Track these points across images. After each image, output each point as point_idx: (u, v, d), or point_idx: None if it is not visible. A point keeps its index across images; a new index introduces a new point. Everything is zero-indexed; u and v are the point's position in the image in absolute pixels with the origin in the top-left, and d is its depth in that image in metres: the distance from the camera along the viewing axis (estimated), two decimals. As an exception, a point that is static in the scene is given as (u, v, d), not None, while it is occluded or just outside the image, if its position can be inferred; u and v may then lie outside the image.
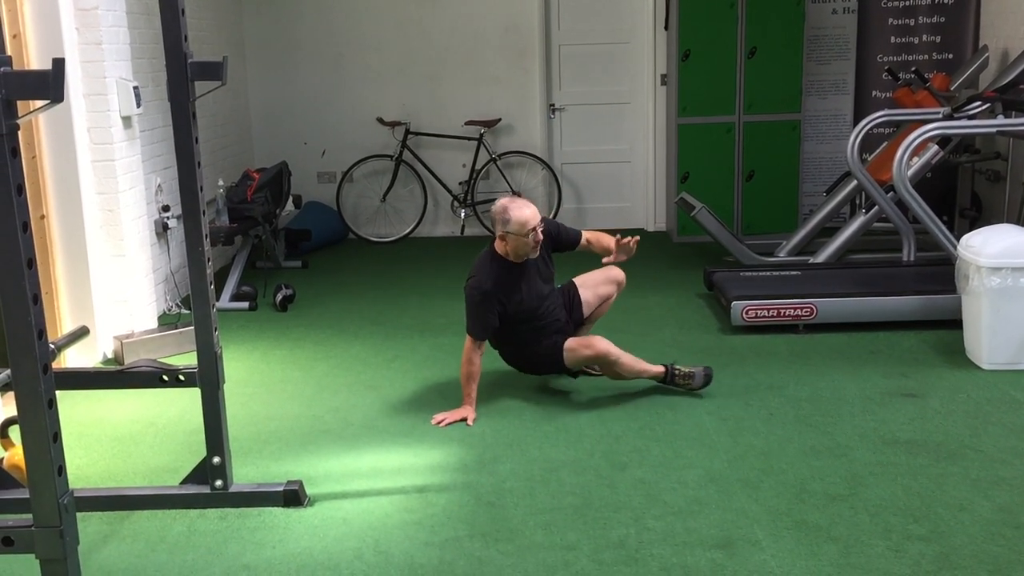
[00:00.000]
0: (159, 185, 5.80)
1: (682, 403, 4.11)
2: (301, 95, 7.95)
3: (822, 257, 6.13)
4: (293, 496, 3.28)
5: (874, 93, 7.42)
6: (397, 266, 7.03)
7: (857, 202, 6.41)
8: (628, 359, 4.13)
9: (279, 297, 5.85)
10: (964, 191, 6.76)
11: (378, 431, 3.95)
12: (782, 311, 5.03)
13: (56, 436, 2.06)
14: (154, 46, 5.61)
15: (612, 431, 3.85)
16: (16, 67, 1.96)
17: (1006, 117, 5.46)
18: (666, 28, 7.55)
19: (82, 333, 3.54)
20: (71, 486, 2.14)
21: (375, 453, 3.74)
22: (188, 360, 3.62)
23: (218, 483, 3.27)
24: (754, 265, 6.09)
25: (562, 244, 4.26)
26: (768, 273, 5.65)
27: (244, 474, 3.53)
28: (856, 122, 7.23)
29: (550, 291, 4.24)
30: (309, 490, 3.37)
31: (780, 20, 7.08)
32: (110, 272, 5.09)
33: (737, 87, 7.19)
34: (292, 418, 4.13)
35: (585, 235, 4.31)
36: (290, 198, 6.97)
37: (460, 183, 7.90)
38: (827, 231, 6.56)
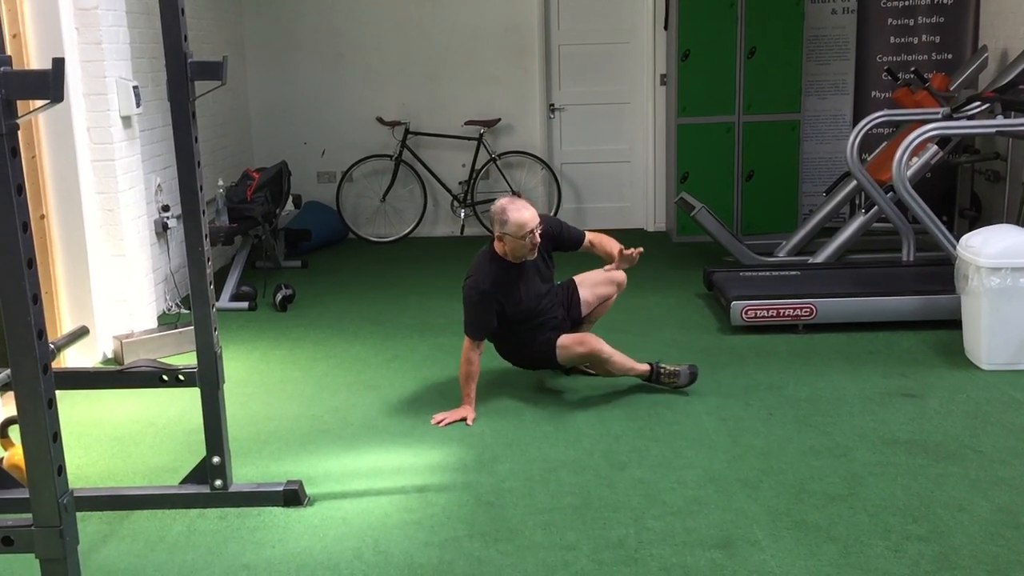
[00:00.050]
0: (159, 185, 5.80)
1: (681, 403, 4.12)
2: (301, 95, 7.95)
3: (822, 257, 6.13)
4: (293, 496, 3.28)
5: (873, 93, 7.42)
6: (397, 266, 7.03)
7: (857, 202, 6.41)
8: (619, 357, 4.16)
9: (279, 297, 5.85)
10: (964, 191, 6.76)
11: (378, 431, 3.96)
12: (782, 311, 5.03)
13: (56, 436, 2.06)
14: (154, 46, 5.61)
15: (611, 431, 3.85)
16: (16, 67, 1.96)
17: (1005, 117, 5.46)
18: (666, 28, 7.56)
19: (82, 333, 3.54)
20: (71, 486, 2.14)
21: (375, 453, 3.74)
22: (188, 360, 3.62)
23: (218, 483, 3.27)
24: (754, 265, 6.10)
25: (564, 244, 4.25)
26: (768, 273, 5.65)
27: (244, 474, 3.53)
28: (855, 122, 7.23)
29: (548, 290, 4.24)
30: (309, 490, 3.37)
31: (780, 20, 7.09)
32: (110, 272, 5.09)
33: (737, 87, 7.19)
34: (292, 418, 4.13)
35: (588, 236, 4.30)
36: (290, 198, 6.97)
37: (460, 183, 7.91)
38: (827, 231, 6.57)
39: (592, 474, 3.46)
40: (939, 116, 5.61)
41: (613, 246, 4.24)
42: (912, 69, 6.56)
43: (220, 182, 6.19)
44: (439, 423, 3.98)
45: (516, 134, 7.91)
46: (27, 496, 2.08)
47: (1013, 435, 3.68)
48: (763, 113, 7.23)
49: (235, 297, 5.96)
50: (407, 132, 7.80)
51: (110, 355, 5.07)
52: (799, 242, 6.54)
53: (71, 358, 4.81)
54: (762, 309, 5.03)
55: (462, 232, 7.94)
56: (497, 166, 7.77)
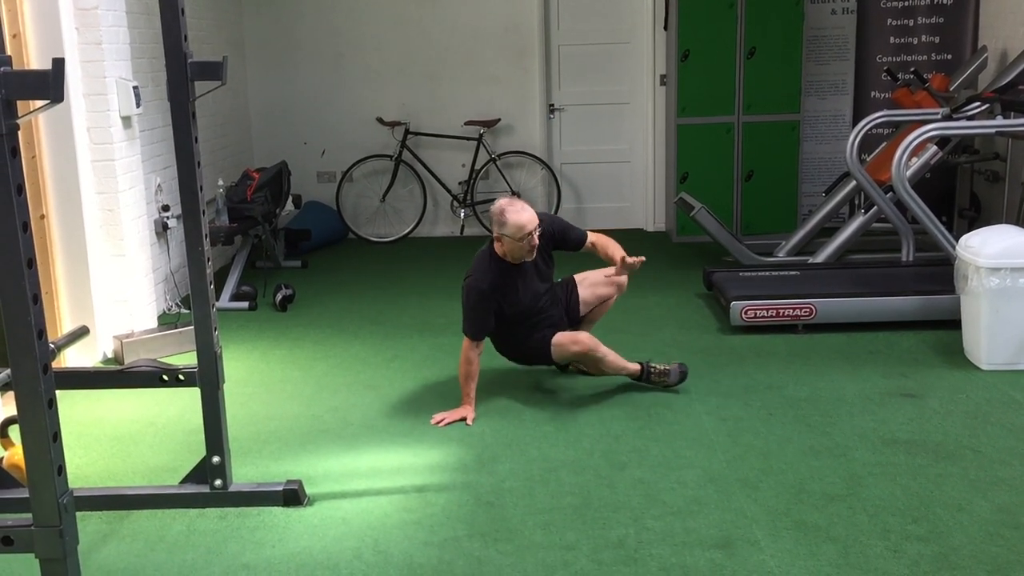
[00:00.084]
0: (159, 185, 5.80)
1: (681, 403, 4.12)
2: (301, 95, 7.96)
3: (821, 257, 6.14)
4: (292, 496, 3.29)
5: (873, 93, 7.42)
6: (397, 266, 7.04)
7: (856, 202, 6.41)
8: (613, 357, 4.18)
9: (279, 297, 5.85)
10: (963, 191, 6.76)
11: (377, 431, 3.96)
12: (781, 311, 5.03)
13: (56, 436, 2.06)
14: (154, 46, 5.61)
15: (611, 431, 3.85)
16: (16, 67, 1.96)
17: (1005, 118, 5.46)
18: (665, 28, 7.56)
19: (82, 333, 3.54)
20: (71, 485, 2.15)
21: (374, 453, 3.74)
22: (188, 360, 3.62)
23: (217, 482, 3.27)
24: (753, 265, 6.10)
25: (566, 244, 4.24)
26: (767, 273, 5.65)
27: (243, 474, 3.53)
28: (855, 122, 7.23)
29: (547, 289, 4.24)
30: (308, 490, 3.37)
31: (779, 20, 7.09)
32: (110, 272, 5.09)
33: (736, 87, 7.19)
34: (291, 418, 4.13)
35: (591, 238, 4.27)
36: (290, 198, 6.97)
37: (460, 183, 7.91)
38: (826, 231, 6.57)
39: (592, 474, 3.46)
40: (939, 116, 5.61)
41: (615, 251, 4.21)
42: (912, 69, 6.56)
43: (220, 182, 6.19)
44: (439, 423, 3.98)
45: (516, 134, 7.91)
46: (27, 496, 2.08)
47: (1012, 435, 3.68)
48: (763, 113, 7.23)
49: (235, 297, 5.97)
50: (407, 132, 7.80)
51: (110, 355, 5.07)
52: (799, 242, 6.54)
53: (71, 358, 4.81)
54: (762, 309, 5.03)
55: (462, 232, 7.94)
56: (497, 166, 7.77)
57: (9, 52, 2.28)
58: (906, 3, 7.23)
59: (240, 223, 6.12)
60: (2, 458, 3.38)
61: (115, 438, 3.96)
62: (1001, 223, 5.08)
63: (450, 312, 5.43)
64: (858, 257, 6.34)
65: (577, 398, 4.23)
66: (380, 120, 7.86)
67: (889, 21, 7.29)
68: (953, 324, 4.81)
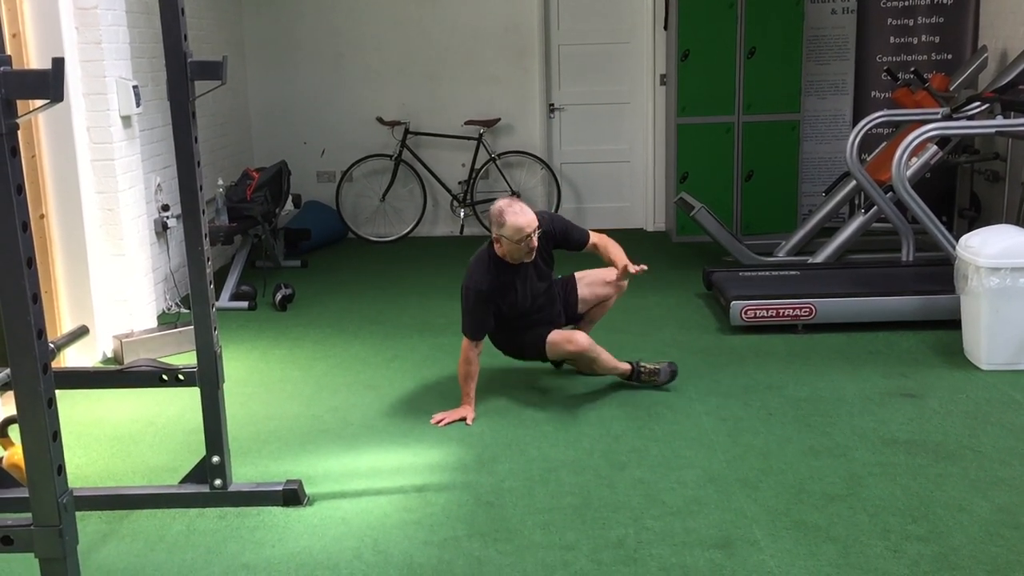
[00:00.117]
0: (159, 184, 5.80)
1: (681, 403, 4.12)
2: (301, 95, 7.95)
3: (821, 257, 6.14)
4: (292, 495, 3.28)
5: (873, 93, 7.42)
6: (396, 266, 7.04)
7: (856, 202, 6.41)
8: (606, 357, 4.19)
9: (278, 296, 5.85)
10: (963, 191, 6.76)
11: (377, 431, 3.96)
12: (781, 311, 5.03)
13: (55, 435, 2.06)
14: (154, 45, 5.61)
15: (611, 431, 3.85)
16: (16, 66, 1.96)
17: (1005, 117, 5.46)
18: (665, 28, 7.56)
19: (81, 332, 3.54)
20: (70, 485, 2.14)
21: (374, 452, 3.74)
22: (187, 359, 3.62)
23: (217, 482, 3.27)
24: (753, 265, 6.10)
25: (568, 243, 4.22)
26: (767, 273, 5.65)
27: (243, 473, 3.53)
28: (855, 122, 7.24)
29: (546, 288, 4.23)
30: (308, 489, 3.37)
31: (779, 20, 7.09)
32: (110, 271, 5.09)
33: (736, 87, 7.19)
34: (291, 417, 4.13)
35: (593, 238, 4.25)
36: (289, 197, 6.97)
37: (459, 183, 7.91)
38: (826, 231, 6.57)
39: (592, 474, 3.46)
40: (939, 116, 5.61)
41: (618, 256, 4.18)
42: (912, 69, 6.56)
43: (220, 181, 6.19)
44: (438, 423, 3.98)
45: (516, 134, 7.91)
46: (27, 495, 2.08)
47: (1012, 435, 3.68)
48: (763, 113, 7.23)
49: (235, 296, 5.96)
50: (407, 132, 7.80)
51: (110, 354, 5.07)
52: (799, 242, 6.54)
53: (71, 358, 4.81)
54: (761, 309, 5.03)
55: (462, 232, 7.94)
56: (497, 166, 7.77)
57: (9, 51, 2.27)
58: (906, 3, 7.23)
59: (240, 223, 6.12)
60: (2, 458, 3.38)
61: (115, 438, 3.96)
62: (1001, 223, 5.08)
63: (450, 312, 5.43)
64: (858, 257, 6.34)
65: (577, 398, 4.23)
66: (380, 120, 7.86)
67: (889, 21, 7.29)
68: (953, 324, 4.81)
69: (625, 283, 4.35)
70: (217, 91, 5.61)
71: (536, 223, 3.93)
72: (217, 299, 4.94)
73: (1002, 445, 3.59)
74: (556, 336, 4.15)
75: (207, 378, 3.21)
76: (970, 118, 5.59)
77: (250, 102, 7.99)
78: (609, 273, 4.28)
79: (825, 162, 7.81)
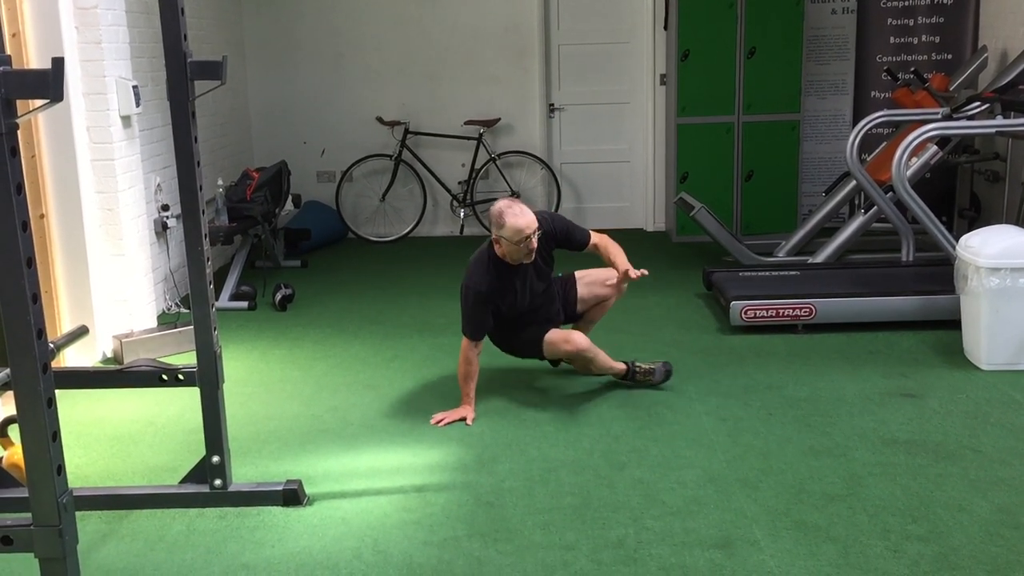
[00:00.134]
0: (158, 184, 5.80)
1: (681, 403, 4.12)
2: (301, 94, 7.95)
3: (821, 257, 6.14)
4: (292, 495, 3.28)
5: (873, 93, 7.42)
6: (396, 266, 7.04)
7: (856, 202, 6.41)
8: (602, 358, 4.20)
9: (278, 296, 5.85)
10: (963, 191, 6.76)
11: (377, 430, 3.96)
12: (781, 311, 5.03)
13: (55, 435, 2.06)
14: (154, 45, 5.61)
15: (611, 431, 3.85)
16: (15, 66, 1.96)
17: (1005, 117, 5.46)
18: (665, 28, 7.56)
19: (81, 332, 3.54)
20: (70, 485, 2.14)
21: (374, 452, 3.74)
22: (187, 359, 3.61)
23: (217, 482, 3.27)
24: (753, 265, 6.10)
25: (569, 244, 4.21)
26: (767, 273, 5.65)
27: (243, 473, 3.53)
28: (855, 122, 7.24)
29: (545, 288, 4.23)
30: (308, 489, 3.37)
31: (779, 20, 7.09)
32: (109, 271, 5.09)
33: (736, 87, 7.19)
34: (291, 417, 4.13)
35: (594, 239, 4.23)
36: (289, 197, 6.97)
37: (459, 183, 7.91)
38: (826, 231, 6.57)
39: (592, 474, 3.46)
40: (939, 116, 5.61)
41: (619, 259, 4.16)
42: (912, 69, 6.56)
43: (220, 181, 6.19)
44: (438, 423, 3.98)
45: (516, 134, 7.91)
46: (26, 495, 2.08)
47: (1012, 435, 3.68)
48: (763, 113, 7.23)
49: (235, 296, 5.96)
50: (407, 132, 7.80)
51: (109, 354, 5.07)
52: (799, 242, 6.54)
53: (71, 357, 4.81)
54: (761, 309, 5.03)
55: (461, 232, 7.94)
56: (497, 166, 7.77)
57: (9, 51, 2.27)
58: (906, 3, 7.23)
59: (240, 223, 6.12)
60: (1, 457, 3.37)
61: (114, 438, 3.95)
62: (1001, 223, 5.08)
63: (450, 312, 5.43)
64: (858, 257, 6.34)
65: (577, 398, 4.23)
66: (380, 120, 7.86)
67: (889, 21, 7.29)
68: (953, 324, 4.81)
69: (625, 285, 4.35)
70: (217, 91, 5.60)
71: (536, 225, 3.92)
72: (217, 299, 4.94)
73: (1002, 445, 3.59)
74: (554, 335, 4.15)
75: (207, 378, 3.21)
76: (970, 118, 5.59)
77: (250, 102, 7.99)
78: (609, 274, 4.27)
79: (825, 162, 7.82)
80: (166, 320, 5.58)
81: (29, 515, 2.09)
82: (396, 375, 4.62)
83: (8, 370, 2.01)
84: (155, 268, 5.62)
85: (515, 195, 7.68)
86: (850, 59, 7.61)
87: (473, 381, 4.05)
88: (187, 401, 4.12)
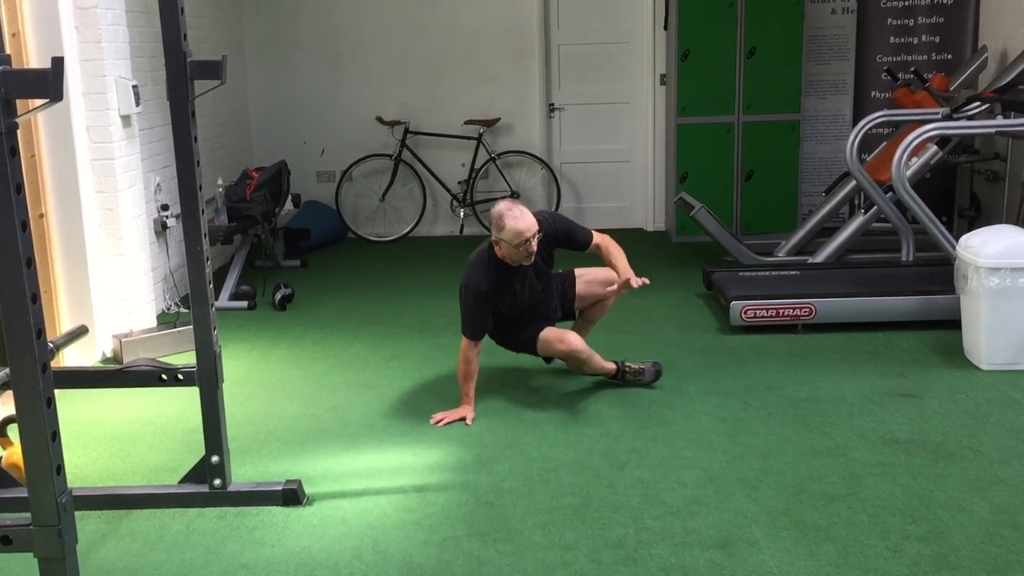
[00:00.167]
0: (158, 184, 5.80)
1: (681, 403, 4.12)
2: (300, 94, 7.95)
3: (821, 257, 6.13)
4: (292, 495, 3.28)
5: (873, 93, 7.42)
6: (396, 265, 7.03)
7: (856, 202, 6.41)
8: (595, 358, 4.22)
9: (278, 296, 5.85)
10: (963, 191, 6.76)
11: (377, 430, 3.95)
12: (781, 311, 5.03)
13: (55, 435, 2.06)
14: (153, 45, 5.61)
15: (611, 431, 3.85)
16: (15, 65, 1.95)
17: (1005, 117, 5.46)
18: (665, 28, 7.56)
19: (81, 332, 3.54)
20: (70, 485, 2.14)
21: (374, 452, 3.74)
22: (187, 359, 3.61)
23: (217, 482, 3.27)
24: (753, 265, 6.10)
25: (571, 244, 4.19)
26: (767, 273, 5.65)
27: (243, 473, 3.53)
28: (855, 122, 7.24)
29: (544, 287, 4.23)
30: (308, 489, 3.37)
31: (779, 20, 7.09)
32: (109, 271, 5.09)
33: (736, 87, 7.19)
34: (291, 417, 4.13)
35: (596, 239, 4.21)
36: (289, 197, 6.97)
37: (459, 182, 7.90)
38: (826, 231, 6.57)
39: (591, 474, 3.46)
40: (939, 116, 5.61)
41: (621, 265, 4.13)
42: (912, 69, 6.56)
43: (219, 181, 6.19)
44: (438, 423, 3.98)
45: (516, 134, 7.91)
46: (26, 495, 2.08)
47: (1012, 435, 3.68)
48: (763, 113, 7.23)
49: (234, 296, 5.96)
50: (406, 131, 7.80)
51: (109, 354, 5.07)
52: (798, 242, 6.54)
53: (70, 357, 4.81)
54: (761, 309, 5.03)
55: (461, 232, 7.94)
56: (496, 166, 7.76)
57: (8, 51, 2.27)
58: (906, 3, 7.23)
59: (239, 222, 6.12)
60: (1, 457, 3.37)
61: (114, 437, 3.95)
62: (1001, 223, 5.08)
63: (449, 312, 5.43)
64: (858, 257, 6.34)
65: (576, 398, 4.23)
66: (380, 119, 7.86)
67: (889, 21, 7.29)
68: (953, 324, 4.81)
69: (625, 290, 4.35)
70: (217, 91, 5.61)
71: (535, 228, 3.90)
72: (216, 299, 4.93)
73: (1002, 445, 3.59)
74: (549, 334, 4.15)
75: (206, 378, 3.21)
76: (970, 118, 5.59)
77: (250, 102, 7.98)
78: (610, 275, 4.27)
79: (825, 162, 7.81)
80: (166, 320, 5.58)
81: (28, 515, 2.09)
82: (396, 375, 4.62)
83: (8, 370, 2.01)
84: (155, 268, 5.62)
85: (515, 195, 7.68)
86: (850, 59, 7.61)
87: (473, 381, 4.04)
88: (186, 401, 4.12)
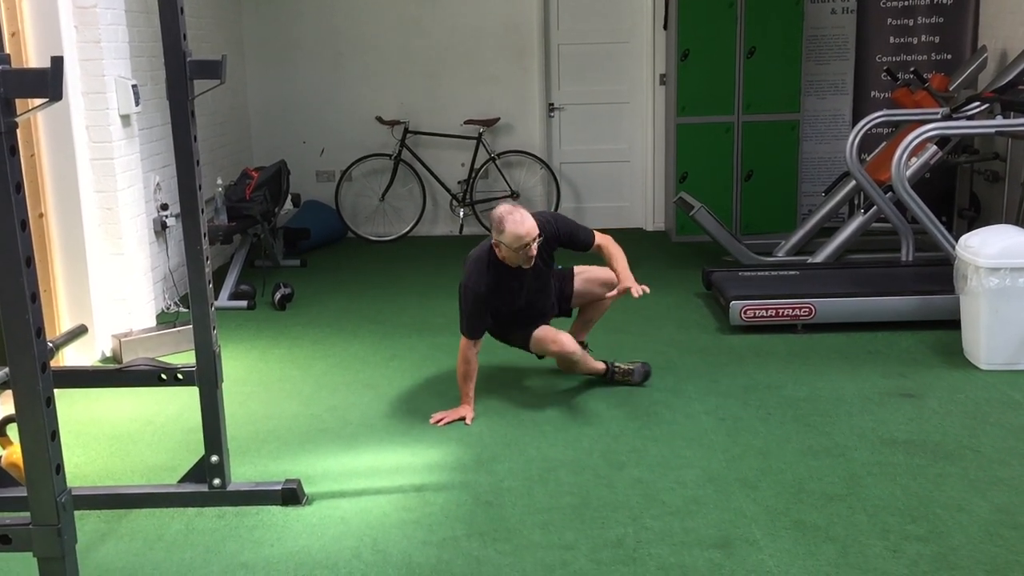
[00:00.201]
0: (158, 183, 5.79)
1: (680, 403, 4.12)
2: (300, 94, 7.95)
3: (821, 257, 6.13)
4: (291, 495, 3.28)
5: (873, 93, 7.42)
6: (396, 265, 7.03)
7: (856, 202, 6.41)
8: (587, 359, 4.26)
9: (277, 296, 5.85)
10: (963, 191, 6.76)
11: (376, 430, 3.95)
12: (780, 311, 5.03)
13: (54, 434, 2.06)
14: (153, 44, 5.61)
15: (610, 431, 3.85)
16: (15, 65, 1.95)
17: (1005, 117, 5.46)
18: (665, 28, 7.56)
19: (80, 332, 3.54)
20: (69, 484, 2.14)
21: (373, 452, 3.74)
22: (186, 359, 3.61)
23: (216, 481, 3.27)
24: (753, 265, 6.10)
25: (573, 245, 4.18)
26: (767, 273, 5.65)
27: (242, 472, 3.53)
28: (855, 122, 7.23)
29: (542, 286, 4.22)
30: (307, 489, 3.37)
31: (779, 20, 7.09)
32: (108, 270, 5.09)
33: (736, 87, 7.19)
34: (290, 417, 4.13)
35: (598, 240, 4.20)
36: (289, 197, 6.97)
37: (459, 182, 7.90)
38: (826, 231, 6.57)
39: (591, 474, 3.46)
40: (938, 116, 5.61)
41: (622, 270, 4.12)
42: (911, 69, 6.56)
43: (219, 181, 6.19)
44: (438, 422, 3.98)
45: (515, 133, 7.91)
46: (25, 494, 2.08)
47: (1012, 435, 3.68)
48: (762, 113, 7.23)
49: (234, 296, 5.96)
50: (406, 131, 7.80)
51: (108, 354, 5.07)
52: (798, 242, 6.54)
53: (69, 357, 4.81)
54: (761, 309, 5.03)
55: (461, 231, 7.93)
56: (496, 165, 7.76)
57: (8, 50, 2.27)
58: (906, 3, 7.23)
59: (239, 222, 6.12)
60: (0, 456, 3.37)
61: (113, 437, 3.95)
62: (1001, 223, 5.08)
63: (449, 311, 5.42)
64: (857, 257, 6.34)
65: (576, 398, 4.23)
66: (379, 119, 7.85)
67: (889, 21, 7.29)
68: (952, 324, 4.81)
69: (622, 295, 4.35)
70: (216, 90, 5.61)
71: (536, 233, 3.89)
72: (216, 298, 4.93)
73: (1001, 445, 3.59)
74: (543, 334, 4.15)
75: (206, 377, 3.21)
76: (970, 118, 5.59)
77: (249, 101, 7.98)
78: (610, 275, 4.25)
79: (825, 162, 7.81)
80: (165, 319, 5.58)
81: (28, 514, 2.09)
82: (395, 374, 4.62)
83: (7, 369, 2.01)
84: (154, 267, 5.62)
85: (515, 195, 7.69)
86: (850, 59, 7.61)
87: (472, 380, 4.04)
88: (186, 400, 4.12)
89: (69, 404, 4.23)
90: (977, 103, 5.67)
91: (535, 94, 7.86)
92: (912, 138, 5.22)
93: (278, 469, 3.58)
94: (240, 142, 7.72)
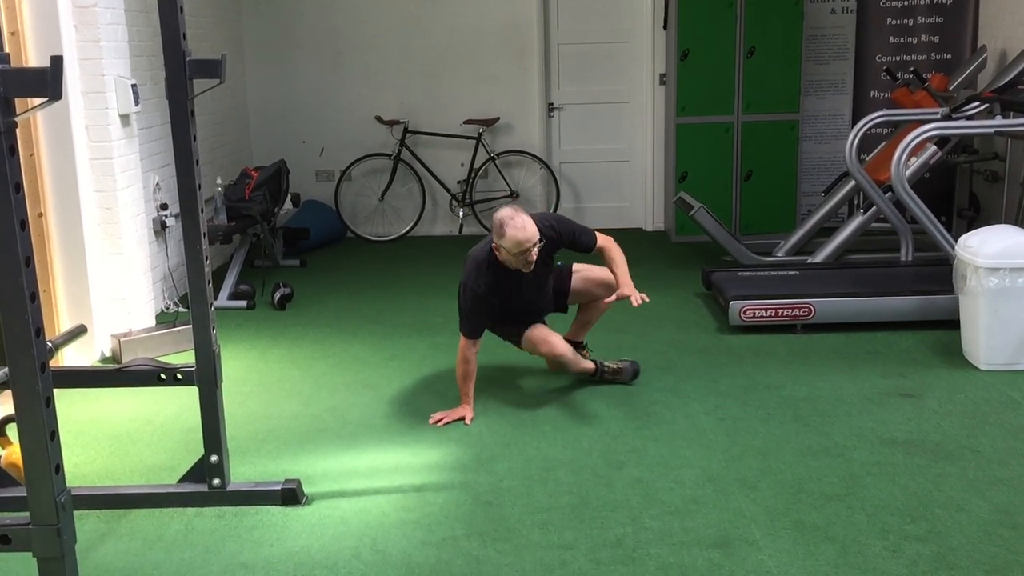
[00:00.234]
0: (157, 183, 5.79)
1: (679, 403, 4.12)
2: (300, 93, 7.95)
3: (820, 257, 6.14)
4: (291, 495, 3.28)
5: (873, 93, 7.42)
6: (395, 265, 7.03)
7: (855, 202, 6.41)
8: (577, 359, 4.29)
9: (277, 296, 5.85)
10: (962, 191, 6.76)
11: (376, 430, 3.95)
12: (780, 311, 5.03)
13: (54, 434, 2.06)
14: (153, 44, 5.61)
15: (609, 430, 3.85)
16: (14, 64, 1.95)
17: (1004, 117, 5.46)
18: (665, 28, 7.56)
19: (80, 331, 3.53)
20: (68, 484, 2.14)
21: (373, 452, 3.74)
22: (186, 358, 3.61)
23: (216, 481, 3.27)
24: (752, 265, 6.10)
25: (575, 247, 4.16)
26: (766, 273, 5.65)
27: (242, 472, 3.53)
28: (854, 122, 7.24)
29: (540, 286, 4.22)
30: (307, 489, 3.37)
31: (779, 20, 7.09)
32: (108, 270, 5.09)
33: (736, 87, 7.19)
34: (290, 417, 4.13)
35: (601, 242, 4.16)
36: (288, 196, 6.97)
37: (458, 182, 7.90)
38: (825, 231, 6.57)
39: (590, 473, 3.46)
40: (938, 116, 5.61)
41: (622, 276, 4.10)
42: (911, 69, 6.56)
43: (219, 180, 6.19)
44: (437, 422, 3.98)
45: (515, 133, 7.91)
46: (25, 494, 2.08)
47: (1011, 435, 3.68)
48: (762, 113, 7.23)
49: (233, 296, 5.96)
50: (406, 131, 7.79)
51: (108, 353, 5.07)
52: (797, 242, 6.54)
53: (69, 357, 4.81)
54: (760, 309, 5.03)
55: (460, 231, 7.93)
56: (496, 165, 7.76)
57: (7, 50, 2.27)
58: (906, 3, 7.23)
59: (238, 222, 6.12)
60: (0, 456, 3.37)
61: (113, 437, 3.95)
62: (1000, 223, 5.08)
63: (448, 311, 5.42)
64: (857, 257, 6.34)
65: (575, 398, 4.23)
66: (379, 119, 7.85)
67: (889, 21, 7.29)
68: (952, 324, 4.81)
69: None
70: (216, 90, 5.61)
71: (536, 239, 3.87)
72: (215, 298, 4.94)
73: (1001, 445, 3.59)
74: (534, 334, 4.15)
75: (205, 377, 3.21)
76: (969, 118, 5.59)
77: (249, 101, 7.98)
78: (608, 275, 4.23)
79: (824, 162, 7.82)
80: (164, 319, 5.58)
81: (27, 514, 2.09)
82: (395, 374, 4.62)
83: (6, 369, 2.01)
84: (154, 267, 5.61)
85: (514, 195, 7.69)
86: (849, 59, 7.61)
87: (471, 380, 4.04)
88: (185, 400, 4.11)
89: (68, 404, 4.23)
90: (976, 103, 5.68)
91: (535, 94, 7.86)
92: (911, 138, 5.22)
93: (278, 469, 3.58)
94: (240, 142, 7.72)
